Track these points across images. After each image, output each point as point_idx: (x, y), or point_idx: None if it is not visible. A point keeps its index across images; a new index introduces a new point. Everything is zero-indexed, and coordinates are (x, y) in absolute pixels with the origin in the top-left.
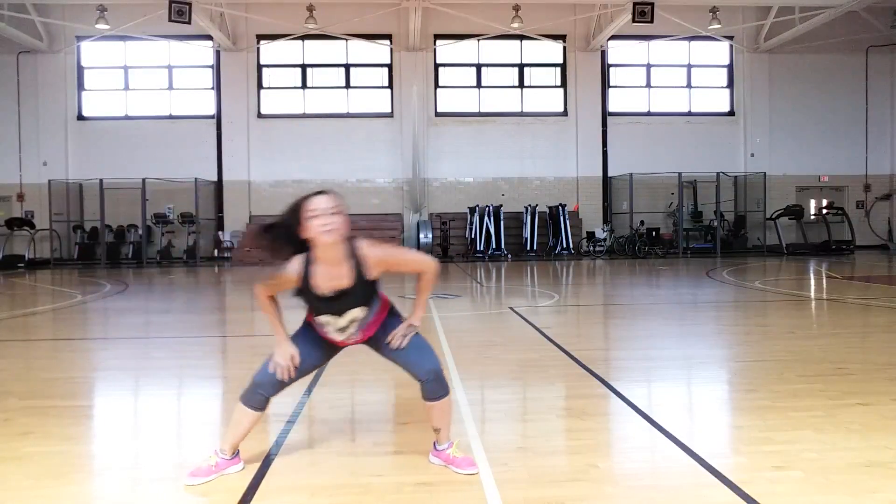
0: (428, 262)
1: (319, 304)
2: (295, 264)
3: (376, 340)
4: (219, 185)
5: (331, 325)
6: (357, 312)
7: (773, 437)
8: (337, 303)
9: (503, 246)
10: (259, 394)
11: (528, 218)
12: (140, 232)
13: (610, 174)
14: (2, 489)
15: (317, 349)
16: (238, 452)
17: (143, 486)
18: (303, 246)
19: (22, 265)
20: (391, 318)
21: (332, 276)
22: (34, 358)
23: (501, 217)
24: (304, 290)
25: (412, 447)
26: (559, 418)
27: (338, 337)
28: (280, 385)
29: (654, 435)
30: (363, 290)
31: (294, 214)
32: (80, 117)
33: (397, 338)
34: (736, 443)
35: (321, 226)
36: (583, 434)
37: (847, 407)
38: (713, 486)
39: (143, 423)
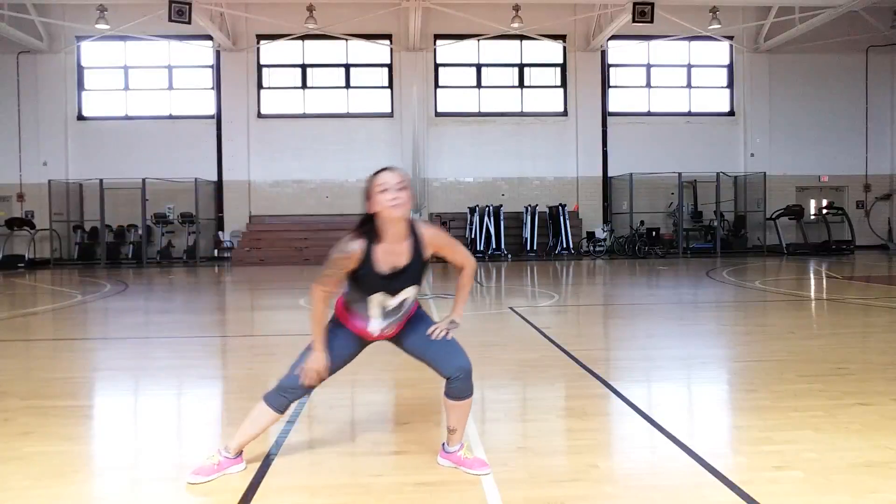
0: (471, 258)
1: (377, 282)
2: (356, 243)
3: (401, 336)
4: (219, 185)
5: (380, 307)
6: (410, 291)
7: (773, 437)
8: (393, 281)
9: (503, 246)
10: (284, 397)
11: (528, 218)
12: (140, 232)
13: (610, 174)
14: (2, 489)
15: (345, 350)
16: (241, 452)
17: (143, 486)
18: (369, 222)
19: (22, 265)
20: (419, 314)
21: (393, 252)
22: (34, 358)
23: (501, 217)
24: (364, 267)
25: (412, 447)
26: (559, 418)
27: (378, 327)
28: (304, 391)
29: (654, 435)
30: (418, 269)
31: (366, 188)
32: (80, 117)
33: (440, 329)
34: (736, 443)
35: (390, 200)
36: (583, 434)
37: (847, 407)
38: (713, 486)
39: (143, 423)
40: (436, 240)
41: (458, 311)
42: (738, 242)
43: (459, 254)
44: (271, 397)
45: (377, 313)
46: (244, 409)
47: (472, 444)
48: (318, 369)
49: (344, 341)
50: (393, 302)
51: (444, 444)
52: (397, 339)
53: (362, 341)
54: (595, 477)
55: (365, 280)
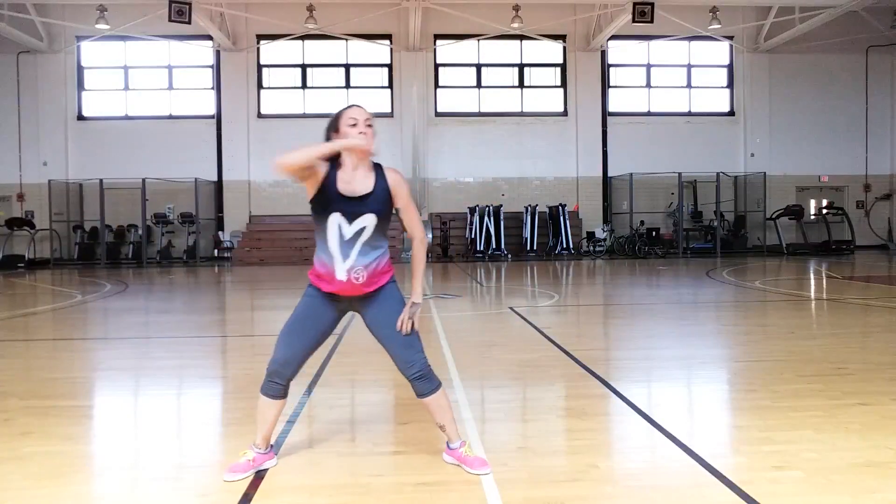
0: (423, 229)
1: (335, 199)
2: (322, 166)
3: (369, 310)
4: (219, 185)
5: (338, 237)
6: (367, 220)
7: (773, 437)
8: (351, 203)
9: (503, 246)
10: (276, 382)
11: (528, 218)
12: (140, 232)
13: (610, 174)
14: (2, 489)
15: (321, 316)
16: (272, 447)
17: (143, 486)
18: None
19: (22, 265)
20: (389, 290)
21: (353, 179)
22: (34, 358)
23: (501, 217)
24: (325, 182)
25: (412, 447)
26: (559, 418)
27: (343, 269)
28: (292, 367)
29: (654, 435)
30: (378, 200)
31: (332, 122)
32: (80, 117)
33: (405, 323)
34: (736, 443)
35: (359, 133)
36: (583, 434)
37: (847, 407)
38: (713, 486)
39: (143, 423)
40: (398, 187)
41: (417, 292)
42: (738, 242)
43: (412, 218)
44: (264, 387)
45: (336, 246)
46: (244, 409)
47: (470, 444)
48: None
49: (320, 307)
50: (349, 229)
51: (447, 442)
52: (365, 311)
53: (338, 304)
54: (595, 477)
55: (324, 196)
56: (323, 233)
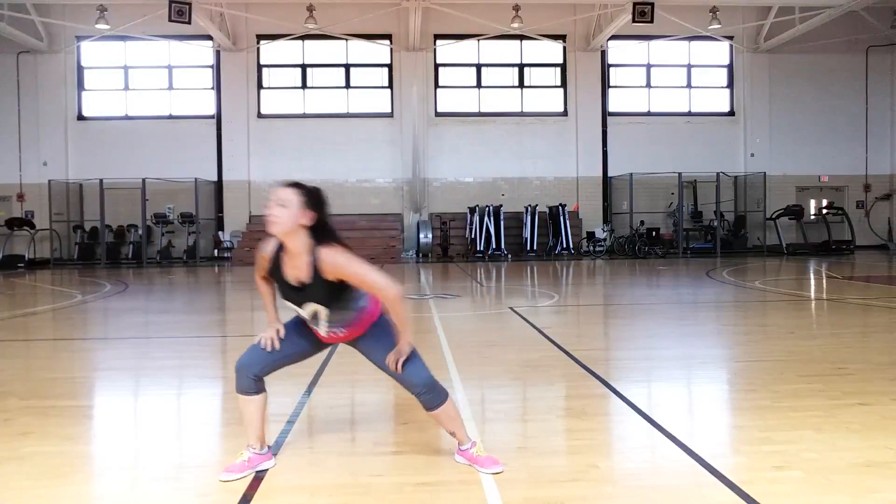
0: (386, 287)
1: (284, 289)
2: (270, 245)
3: (363, 345)
4: (219, 185)
5: (298, 313)
6: (317, 307)
7: (773, 437)
8: (298, 293)
9: (503, 246)
10: (245, 377)
11: (528, 218)
12: (140, 232)
13: (610, 174)
14: (2, 489)
15: (303, 337)
16: (270, 448)
17: (143, 486)
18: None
19: (22, 265)
20: (380, 323)
21: (294, 266)
22: (34, 358)
23: (501, 217)
24: (274, 271)
25: (412, 447)
26: (559, 418)
27: (320, 330)
28: (263, 363)
29: (654, 435)
30: (323, 290)
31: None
32: (80, 117)
33: (392, 363)
34: (736, 443)
35: (267, 214)
36: (583, 434)
37: (847, 407)
38: (713, 486)
39: (143, 423)
40: (335, 269)
41: (403, 340)
42: (738, 242)
43: (368, 284)
44: (237, 384)
45: (308, 320)
46: None
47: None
48: (271, 332)
49: (301, 330)
50: (303, 313)
51: (458, 445)
52: (359, 347)
53: (318, 340)
54: (595, 477)
55: (277, 284)
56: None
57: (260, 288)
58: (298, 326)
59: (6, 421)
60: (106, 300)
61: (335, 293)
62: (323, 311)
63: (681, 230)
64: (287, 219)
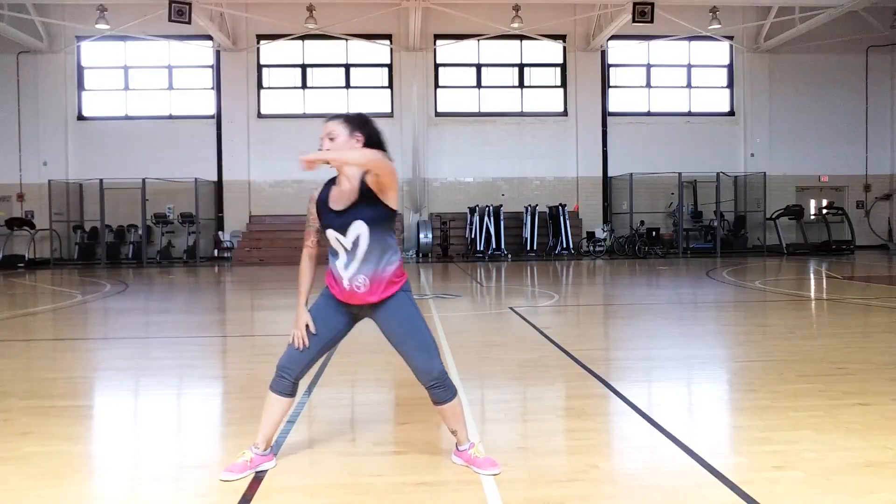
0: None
1: (330, 219)
2: (317, 192)
3: (382, 316)
4: (219, 185)
5: (341, 249)
6: (360, 230)
7: (773, 437)
8: (343, 217)
9: (503, 246)
10: (284, 377)
11: (528, 218)
12: (140, 232)
13: (610, 174)
14: (2, 489)
15: (331, 319)
16: (272, 448)
17: (143, 486)
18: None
19: (22, 265)
20: (402, 297)
21: (342, 192)
22: (34, 358)
23: (501, 217)
24: (321, 205)
25: (412, 447)
26: (559, 418)
27: (347, 277)
28: (302, 364)
29: (654, 435)
30: (368, 206)
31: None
32: (80, 117)
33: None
34: (736, 443)
35: (321, 149)
36: (583, 434)
37: (847, 407)
38: (713, 486)
39: (143, 423)
40: (374, 161)
41: (345, 151)
42: (738, 242)
43: (378, 164)
44: (273, 382)
45: (342, 259)
46: (244, 409)
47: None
48: (300, 328)
49: (332, 309)
50: (346, 240)
51: (456, 444)
52: (377, 321)
53: (350, 309)
54: (595, 477)
55: (321, 217)
56: (331, 248)
57: (302, 268)
58: (322, 311)
59: (6, 421)
60: (106, 300)
61: (378, 214)
62: (365, 233)
63: (681, 230)
64: (340, 148)
